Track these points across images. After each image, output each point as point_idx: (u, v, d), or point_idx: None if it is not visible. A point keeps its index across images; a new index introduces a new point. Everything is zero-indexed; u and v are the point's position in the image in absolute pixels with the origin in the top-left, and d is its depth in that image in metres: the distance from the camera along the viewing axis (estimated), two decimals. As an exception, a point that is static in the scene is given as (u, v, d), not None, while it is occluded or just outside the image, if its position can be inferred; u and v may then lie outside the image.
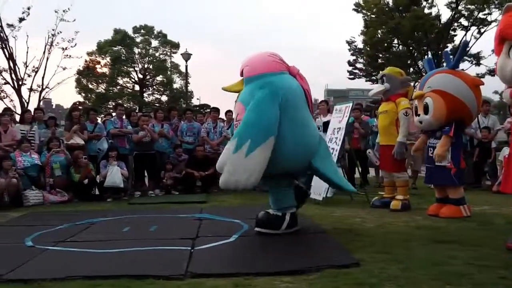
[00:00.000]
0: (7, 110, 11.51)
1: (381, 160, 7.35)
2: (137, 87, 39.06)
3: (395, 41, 31.22)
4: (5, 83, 25.42)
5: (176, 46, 38.63)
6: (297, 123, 4.95)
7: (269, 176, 4.96)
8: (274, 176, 5.08)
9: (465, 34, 28.31)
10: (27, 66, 25.57)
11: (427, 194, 8.05)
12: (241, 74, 5.29)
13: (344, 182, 5.69)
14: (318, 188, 7.70)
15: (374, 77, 32.08)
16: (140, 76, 38.63)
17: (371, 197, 7.55)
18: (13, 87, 25.46)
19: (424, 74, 8.71)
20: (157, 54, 38.92)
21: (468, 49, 26.49)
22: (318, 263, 3.79)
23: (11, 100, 25.34)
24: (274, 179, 5.15)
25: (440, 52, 27.35)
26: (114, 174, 8.95)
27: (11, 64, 25.22)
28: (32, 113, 10.11)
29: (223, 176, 4.72)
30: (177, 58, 37.80)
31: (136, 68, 38.78)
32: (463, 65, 26.96)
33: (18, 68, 25.41)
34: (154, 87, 39.53)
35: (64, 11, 25.93)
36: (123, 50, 37.64)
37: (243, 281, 3.44)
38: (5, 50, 24.88)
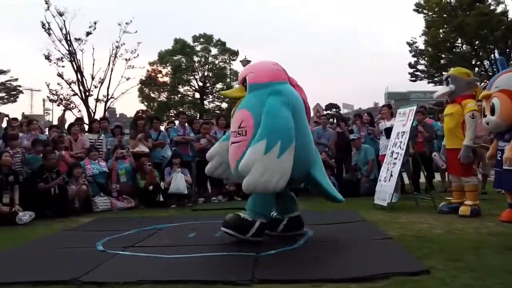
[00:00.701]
0: (78, 120, 12.10)
1: (448, 164, 7.11)
2: (197, 95, 39.78)
3: (459, 41, 30.21)
4: (73, 95, 26.79)
5: (235, 53, 39.09)
6: (303, 132, 5.04)
7: None
8: None
9: (536, 30, 26.94)
10: (93, 78, 26.83)
11: (497, 199, 7.72)
12: (242, 82, 5.27)
13: (335, 192, 5.71)
14: (383, 194, 7.58)
15: (436, 79, 31.19)
16: (200, 84, 39.36)
17: (438, 203, 7.32)
18: (81, 98, 26.79)
19: (490, 74, 8.36)
20: (216, 62, 39.48)
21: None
22: (385, 270, 3.69)
23: (79, 111, 26.65)
24: None
25: (508, 50, 26.22)
26: (178, 181, 9.15)
27: (79, 76, 26.53)
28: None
29: (251, 177, 4.61)
30: (237, 65, 38.26)
31: (196, 76, 39.56)
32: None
33: (85, 80, 26.76)
34: (214, 94, 40.12)
35: (126, 23, 27.06)
36: (183, 59, 38.45)
37: (310, 287, 3.43)
38: (74, 63, 26.22)
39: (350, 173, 10.25)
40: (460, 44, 30.62)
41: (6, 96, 38.31)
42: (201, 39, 39.40)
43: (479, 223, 5.90)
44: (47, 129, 11.43)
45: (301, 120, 5.05)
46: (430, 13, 30.09)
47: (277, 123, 4.73)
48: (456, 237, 5.09)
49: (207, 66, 39.14)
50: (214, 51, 39.63)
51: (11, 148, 8.20)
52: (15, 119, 10.02)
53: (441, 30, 29.62)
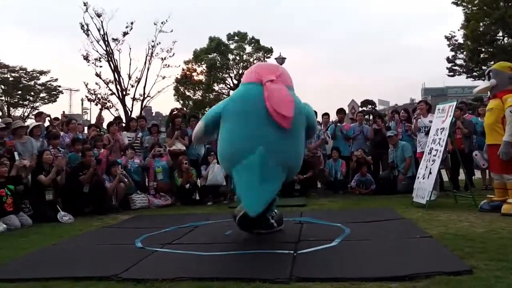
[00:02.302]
0: (117, 119, 12.34)
1: (489, 161, 6.90)
2: (232, 93, 39.82)
3: (500, 34, 29.30)
4: (111, 94, 27.31)
5: (269, 51, 39.08)
6: (232, 129, 5.23)
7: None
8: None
9: None
10: (130, 77, 27.30)
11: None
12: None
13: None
14: (421, 191, 7.44)
15: (475, 73, 30.39)
16: (235, 81, 39.41)
17: (478, 200, 7.11)
18: (118, 97, 27.29)
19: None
20: (251, 60, 39.50)
21: None
22: (426, 269, 3.60)
23: (116, 110, 27.16)
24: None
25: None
26: (216, 172, 9.21)
27: (116, 76, 27.04)
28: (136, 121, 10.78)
29: None
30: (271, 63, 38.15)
31: (231, 74, 39.76)
32: None
33: (123, 79, 27.24)
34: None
35: (162, 23, 27.40)
36: (218, 57, 38.71)
37: (349, 286, 3.38)
38: (111, 63, 26.73)
39: (387, 170, 10.10)
40: (502, 37, 29.70)
41: (47, 96, 39.34)
42: (236, 37, 39.58)
43: (523, 222, 5.70)
44: (86, 127, 11.68)
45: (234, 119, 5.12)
46: (469, 6, 29.30)
47: None
48: (499, 236, 4.92)
49: (241, 64, 39.23)
50: (248, 49, 39.82)
51: (53, 147, 8.42)
52: (57, 118, 10.28)
53: (481, 23, 28.77)
